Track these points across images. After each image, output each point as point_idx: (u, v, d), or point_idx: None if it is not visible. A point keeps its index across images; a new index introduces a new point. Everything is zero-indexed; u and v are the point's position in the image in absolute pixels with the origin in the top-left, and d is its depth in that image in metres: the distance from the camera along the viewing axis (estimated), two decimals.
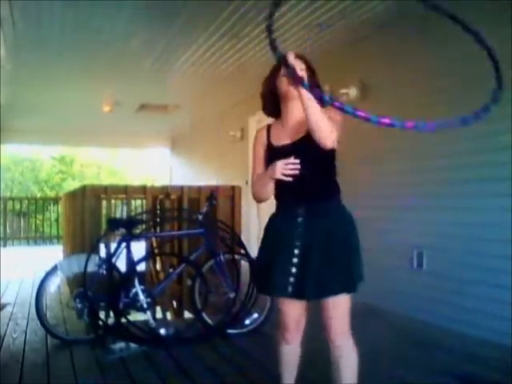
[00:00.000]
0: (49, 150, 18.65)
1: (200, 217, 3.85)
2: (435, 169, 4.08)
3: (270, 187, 1.96)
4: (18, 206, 12.49)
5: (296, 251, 1.89)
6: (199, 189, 4.54)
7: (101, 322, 3.57)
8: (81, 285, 3.58)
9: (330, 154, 1.93)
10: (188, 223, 4.36)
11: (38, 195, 16.21)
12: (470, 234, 3.75)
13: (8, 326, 4.11)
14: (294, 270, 1.88)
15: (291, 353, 2.04)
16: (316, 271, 1.85)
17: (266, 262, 1.95)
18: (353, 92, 4.84)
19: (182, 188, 4.52)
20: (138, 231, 3.90)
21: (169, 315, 4.41)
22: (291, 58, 1.74)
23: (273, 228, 2.02)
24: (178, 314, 4.41)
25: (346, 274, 1.89)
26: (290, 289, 1.88)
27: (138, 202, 7.28)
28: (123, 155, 20.08)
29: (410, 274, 4.30)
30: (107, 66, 6.00)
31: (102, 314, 3.63)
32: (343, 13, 4.27)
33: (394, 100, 4.54)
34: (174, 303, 4.47)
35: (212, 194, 3.99)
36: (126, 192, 4.44)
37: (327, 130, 1.78)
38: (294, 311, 1.98)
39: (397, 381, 2.86)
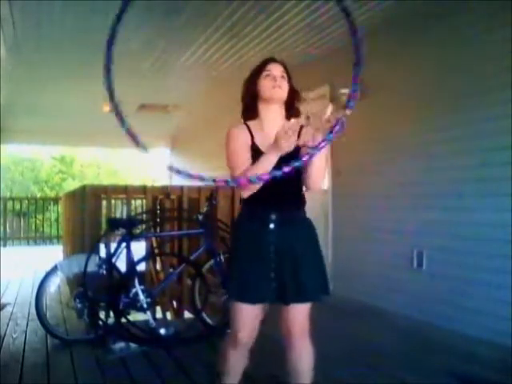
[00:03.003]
0: (49, 150, 18.65)
1: (200, 217, 3.85)
2: (435, 169, 4.07)
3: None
4: (18, 206, 12.49)
5: (272, 258, 1.91)
6: (199, 189, 4.54)
7: (101, 322, 3.58)
8: (81, 285, 3.58)
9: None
10: (188, 223, 4.35)
11: (38, 195, 16.21)
12: (470, 234, 3.74)
13: (8, 325, 4.11)
14: (273, 275, 1.91)
15: (238, 358, 2.05)
16: (296, 277, 1.90)
17: (244, 269, 1.94)
18: None
19: (181, 188, 4.52)
20: (138, 231, 3.90)
21: (169, 315, 4.41)
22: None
23: (246, 234, 2.00)
24: (177, 314, 4.41)
25: (322, 278, 1.98)
26: (270, 295, 1.91)
27: (138, 201, 7.29)
28: (123, 155, 20.08)
29: (410, 274, 4.30)
30: None
31: (102, 314, 3.63)
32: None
33: (394, 100, 4.54)
34: (174, 303, 4.46)
35: (212, 194, 3.99)
36: (126, 192, 4.45)
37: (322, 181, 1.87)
38: (254, 317, 1.99)
39: (397, 381, 2.86)
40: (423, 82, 4.21)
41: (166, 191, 4.58)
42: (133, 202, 4.76)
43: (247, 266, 1.93)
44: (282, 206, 1.95)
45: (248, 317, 1.97)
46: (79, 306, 3.55)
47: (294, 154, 1.80)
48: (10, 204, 12.47)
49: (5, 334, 3.84)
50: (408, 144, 4.37)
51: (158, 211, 4.79)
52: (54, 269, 3.67)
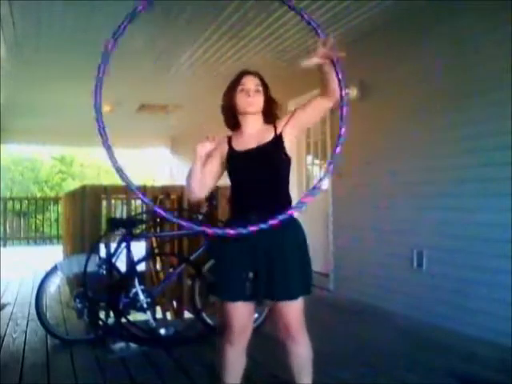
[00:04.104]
0: (49, 150, 18.65)
1: (200, 217, 3.85)
2: (435, 169, 4.07)
3: (203, 181, 2.07)
4: (18, 206, 12.49)
5: (252, 258, 1.97)
6: None
7: (101, 322, 3.58)
8: (81, 285, 3.58)
9: (289, 161, 2.06)
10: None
11: (38, 195, 16.21)
12: (470, 234, 3.75)
13: (8, 325, 4.11)
14: (250, 275, 1.97)
15: (236, 356, 2.09)
16: (271, 277, 1.95)
17: (226, 268, 2.04)
18: (353, 92, 4.84)
19: (182, 188, 4.52)
20: (138, 231, 3.90)
21: (169, 315, 4.41)
22: None
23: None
24: (177, 314, 4.41)
25: (302, 278, 2.01)
26: (248, 292, 1.98)
27: (138, 201, 7.27)
28: (123, 155, 20.07)
29: (410, 274, 4.30)
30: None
31: (102, 314, 3.63)
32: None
33: (394, 100, 4.54)
34: (174, 303, 4.46)
35: (212, 194, 3.99)
36: (126, 192, 4.44)
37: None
38: (241, 314, 2.05)
39: (397, 380, 2.86)
40: (423, 82, 4.21)
41: (166, 191, 4.58)
42: (133, 202, 4.75)
43: (228, 265, 2.02)
44: (265, 208, 1.97)
45: (236, 313, 2.04)
46: (79, 306, 3.55)
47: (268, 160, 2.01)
48: (10, 204, 12.48)
49: (5, 334, 3.84)
50: (408, 144, 4.37)
51: None
52: (54, 269, 3.67)
